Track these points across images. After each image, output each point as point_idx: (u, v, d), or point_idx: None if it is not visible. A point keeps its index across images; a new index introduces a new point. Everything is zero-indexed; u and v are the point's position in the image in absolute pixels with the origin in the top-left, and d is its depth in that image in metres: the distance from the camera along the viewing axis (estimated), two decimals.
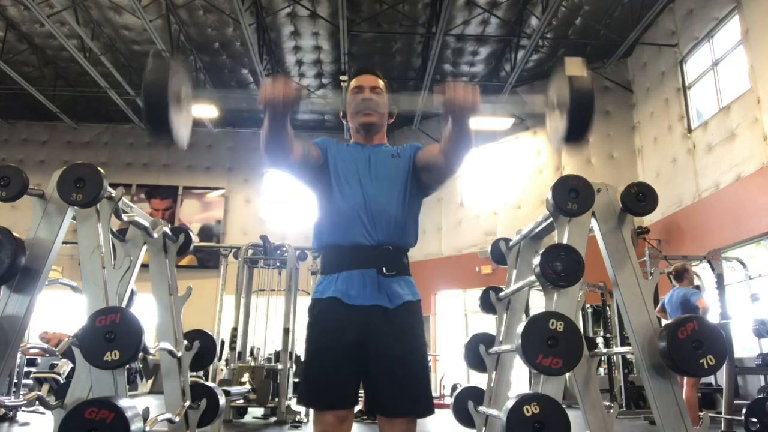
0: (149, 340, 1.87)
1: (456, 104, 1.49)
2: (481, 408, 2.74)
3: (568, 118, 1.34)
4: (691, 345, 1.90)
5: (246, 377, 6.23)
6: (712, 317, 6.08)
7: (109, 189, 2.01)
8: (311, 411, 1.68)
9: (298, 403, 1.68)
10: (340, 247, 1.70)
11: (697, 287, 6.98)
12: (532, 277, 2.19)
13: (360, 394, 1.79)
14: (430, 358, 9.91)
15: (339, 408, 1.57)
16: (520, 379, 7.08)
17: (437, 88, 1.52)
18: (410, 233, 1.77)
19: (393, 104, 1.91)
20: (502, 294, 2.92)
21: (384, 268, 1.67)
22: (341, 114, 1.95)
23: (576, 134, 1.35)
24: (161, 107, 1.30)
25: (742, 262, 7.06)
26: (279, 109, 1.45)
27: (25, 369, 7.55)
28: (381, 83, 1.86)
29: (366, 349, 1.60)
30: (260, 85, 1.45)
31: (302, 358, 1.79)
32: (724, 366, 5.11)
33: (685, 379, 4.82)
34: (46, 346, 2.04)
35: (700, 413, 5.09)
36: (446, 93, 1.49)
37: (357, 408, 1.98)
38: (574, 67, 1.37)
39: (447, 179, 1.81)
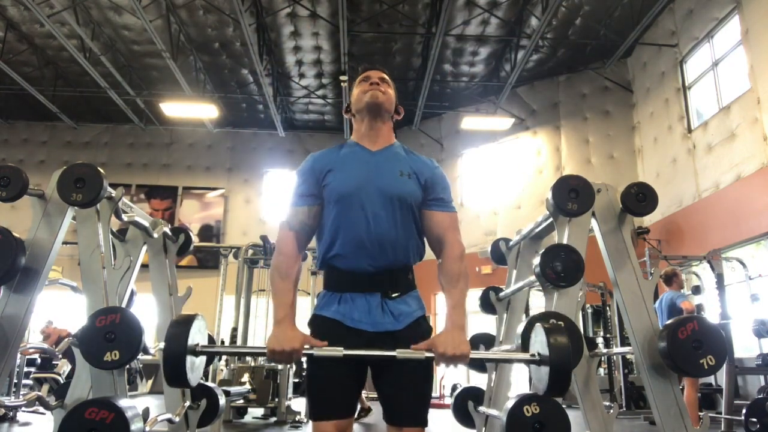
0: (149, 340, 1.87)
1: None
2: (481, 408, 2.74)
3: (549, 374, 1.42)
4: (691, 345, 1.90)
5: (246, 377, 6.23)
6: (712, 317, 6.08)
7: (109, 189, 2.01)
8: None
9: (310, 418, 1.67)
10: (342, 271, 1.65)
11: (697, 287, 7.00)
12: (532, 277, 2.19)
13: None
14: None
15: (338, 418, 1.57)
16: (520, 379, 7.08)
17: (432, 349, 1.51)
18: (416, 251, 1.71)
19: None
20: (502, 294, 2.92)
21: (389, 291, 1.63)
22: (345, 108, 1.86)
23: (558, 389, 1.43)
24: (179, 367, 1.43)
25: (742, 262, 7.06)
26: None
27: (25, 369, 7.55)
28: (388, 78, 1.81)
29: (372, 365, 1.60)
30: (269, 351, 1.49)
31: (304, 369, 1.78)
32: (724, 366, 5.11)
33: (685, 379, 4.82)
34: (46, 346, 2.04)
35: (700, 413, 5.09)
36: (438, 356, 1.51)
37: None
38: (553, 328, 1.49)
39: None
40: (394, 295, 1.63)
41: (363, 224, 1.62)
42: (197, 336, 1.47)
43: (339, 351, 1.46)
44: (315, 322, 1.67)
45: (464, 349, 1.48)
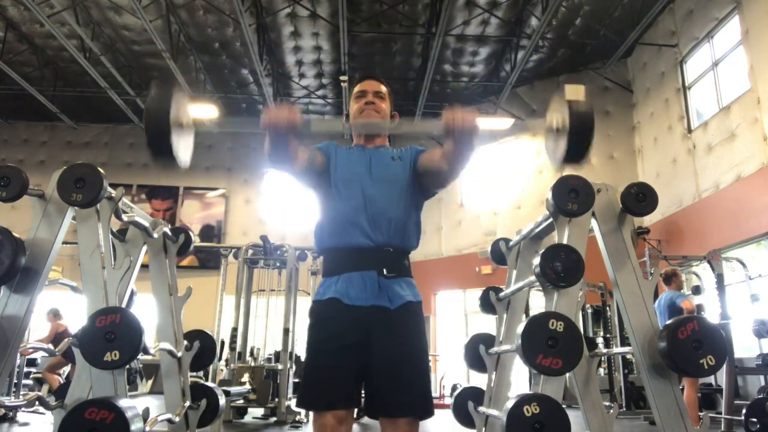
0: (149, 340, 1.87)
1: (457, 130, 1.53)
2: (481, 408, 2.74)
3: (569, 139, 1.38)
4: (691, 345, 1.90)
5: (246, 377, 6.23)
6: (712, 317, 6.08)
7: (109, 189, 2.02)
8: (311, 412, 1.68)
9: (299, 405, 1.68)
10: (340, 250, 1.70)
11: (697, 287, 7.00)
12: (532, 277, 2.19)
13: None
14: (430, 358, 9.89)
15: (338, 408, 1.57)
16: (520, 379, 7.08)
17: (439, 118, 1.54)
18: (411, 235, 1.77)
19: (395, 120, 1.95)
20: (502, 294, 2.92)
21: (384, 270, 1.67)
22: (345, 117, 1.96)
23: (576, 155, 1.39)
24: (162, 134, 1.34)
25: (742, 263, 7.06)
26: (281, 134, 1.51)
27: (25, 369, 7.55)
28: (384, 89, 1.90)
29: (367, 350, 1.60)
30: (264, 111, 1.50)
31: (303, 360, 1.80)
32: (724, 366, 5.11)
33: (685, 379, 4.82)
34: (45, 346, 2.05)
35: (699, 413, 5.09)
36: (446, 119, 1.52)
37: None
38: (574, 92, 1.42)
39: (448, 184, 1.82)
40: (389, 275, 1.67)
41: (360, 203, 1.71)
42: (181, 112, 1.43)
43: (338, 123, 1.50)
44: (315, 308, 1.72)
45: (476, 120, 1.56)
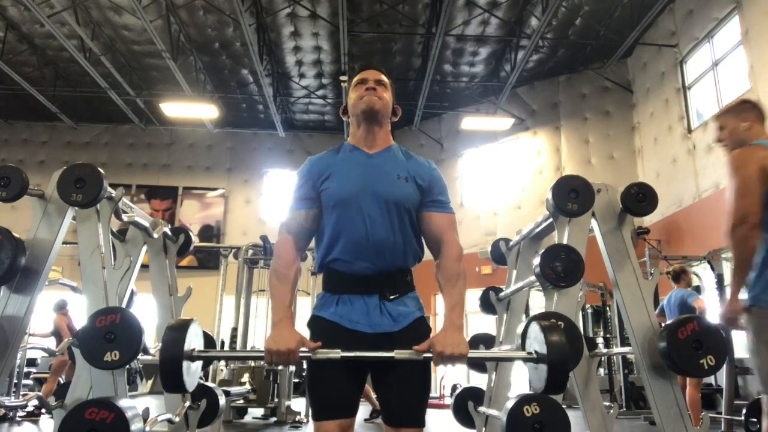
0: (149, 340, 1.87)
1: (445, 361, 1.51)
2: (481, 408, 2.74)
3: (548, 371, 1.43)
4: (691, 345, 1.90)
5: (246, 377, 6.23)
6: (712, 318, 6.08)
7: (109, 189, 2.02)
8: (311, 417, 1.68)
9: (312, 418, 1.68)
10: (341, 274, 1.66)
11: (697, 288, 6.99)
12: (532, 277, 2.19)
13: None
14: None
15: (341, 418, 1.58)
16: (520, 379, 7.08)
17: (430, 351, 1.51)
18: (415, 254, 1.72)
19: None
20: (502, 294, 2.92)
21: (387, 293, 1.64)
22: (342, 110, 1.86)
23: (556, 387, 1.44)
24: (176, 372, 1.43)
25: None
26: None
27: (25, 369, 7.54)
28: (385, 79, 1.79)
29: (371, 366, 1.61)
30: (266, 352, 1.50)
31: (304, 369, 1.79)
32: (724, 366, 5.11)
33: (687, 379, 4.83)
34: (46, 346, 2.05)
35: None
36: (435, 358, 1.51)
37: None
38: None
39: None
40: (392, 297, 1.64)
41: (361, 229, 1.62)
42: (193, 340, 1.48)
43: (336, 353, 1.46)
44: (314, 323, 1.68)
45: (462, 349, 1.49)
